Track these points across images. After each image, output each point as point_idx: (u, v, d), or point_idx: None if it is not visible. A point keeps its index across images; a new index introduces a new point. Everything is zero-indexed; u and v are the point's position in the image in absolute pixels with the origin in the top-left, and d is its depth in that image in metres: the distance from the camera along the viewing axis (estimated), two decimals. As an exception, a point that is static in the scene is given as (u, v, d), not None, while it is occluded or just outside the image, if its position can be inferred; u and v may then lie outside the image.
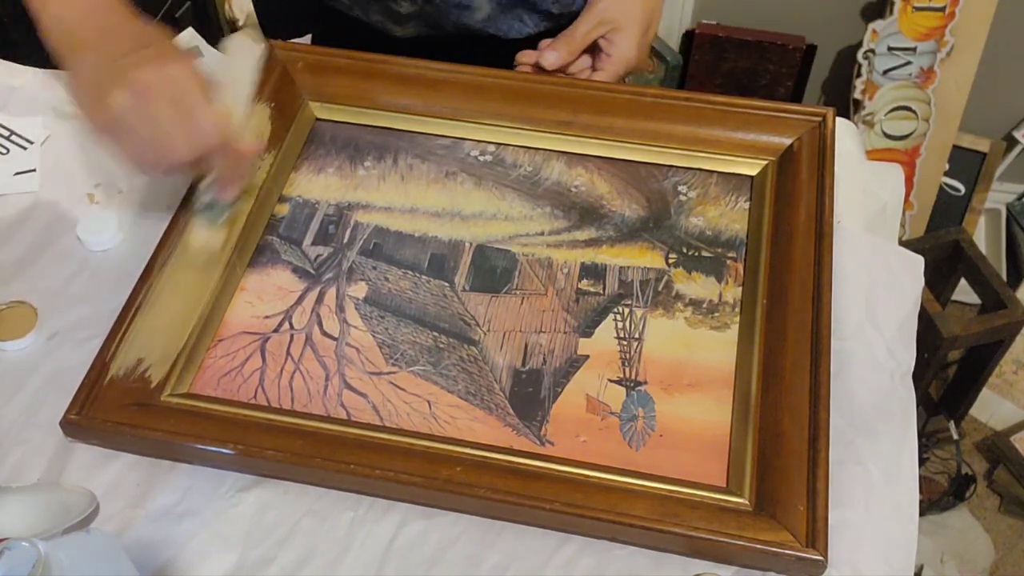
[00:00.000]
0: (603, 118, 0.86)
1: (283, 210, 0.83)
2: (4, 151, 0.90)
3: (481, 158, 0.86)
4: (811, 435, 0.66)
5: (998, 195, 1.84)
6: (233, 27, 2.09)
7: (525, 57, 0.91)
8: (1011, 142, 1.77)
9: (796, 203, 0.79)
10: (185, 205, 0.79)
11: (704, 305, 0.76)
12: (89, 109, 0.70)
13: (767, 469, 0.65)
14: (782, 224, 0.79)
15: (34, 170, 0.89)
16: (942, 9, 1.57)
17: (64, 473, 0.69)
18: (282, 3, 1.16)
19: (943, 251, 1.68)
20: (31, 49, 1.38)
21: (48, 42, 0.72)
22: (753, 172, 0.84)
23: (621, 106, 0.86)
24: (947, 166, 1.74)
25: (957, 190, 1.79)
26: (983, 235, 1.86)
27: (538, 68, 0.90)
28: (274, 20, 1.18)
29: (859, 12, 1.70)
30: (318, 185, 0.85)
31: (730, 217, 0.82)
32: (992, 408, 1.79)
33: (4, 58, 0.99)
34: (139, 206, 0.85)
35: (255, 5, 1.24)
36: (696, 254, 0.80)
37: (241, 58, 0.77)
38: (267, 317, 0.76)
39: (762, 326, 0.73)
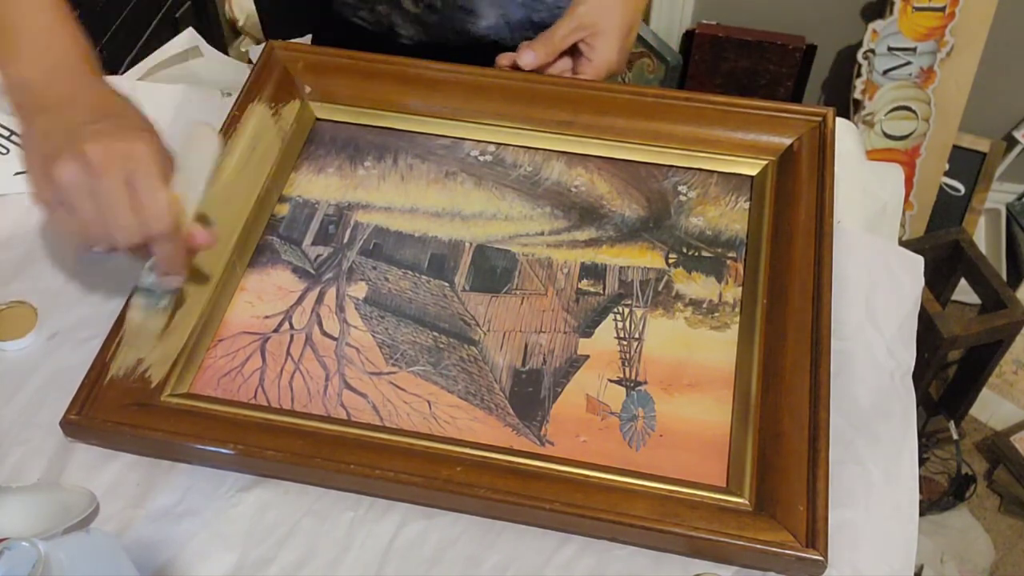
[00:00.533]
0: (603, 118, 0.86)
1: (283, 210, 0.83)
2: (4, 151, 0.90)
3: (481, 158, 0.86)
4: (811, 435, 0.66)
5: (998, 195, 1.84)
6: (233, 27, 2.09)
7: (504, 60, 0.90)
8: (1011, 142, 1.77)
9: (796, 203, 0.79)
10: None
11: (704, 305, 0.76)
12: (34, 177, 0.66)
13: (767, 469, 0.65)
14: (782, 224, 0.79)
15: None
16: (942, 9, 1.57)
17: (64, 473, 0.69)
18: (284, 4, 1.16)
19: (943, 251, 1.68)
20: None
21: (11, 103, 0.69)
22: (753, 172, 0.84)
23: (621, 106, 0.86)
24: (947, 166, 1.74)
25: (957, 190, 1.79)
26: (983, 235, 1.86)
27: (516, 69, 0.89)
28: (276, 21, 1.18)
29: (859, 12, 1.71)
30: (318, 185, 0.85)
31: (730, 217, 0.82)
32: (992, 408, 1.79)
33: None
34: None
35: (257, 5, 1.24)
36: (696, 254, 0.80)
37: (199, 149, 0.71)
38: (267, 317, 0.76)
39: (762, 326, 0.73)
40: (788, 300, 0.73)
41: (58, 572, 0.53)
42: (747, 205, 0.82)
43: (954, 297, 1.80)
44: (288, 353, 0.74)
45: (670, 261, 0.79)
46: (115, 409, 0.68)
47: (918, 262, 0.83)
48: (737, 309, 0.76)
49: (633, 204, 0.83)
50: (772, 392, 0.69)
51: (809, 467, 0.64)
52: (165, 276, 0.69)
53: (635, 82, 1.89)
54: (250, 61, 1.00)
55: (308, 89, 0.89)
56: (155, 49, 1.02)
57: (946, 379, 1.81)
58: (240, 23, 2.09)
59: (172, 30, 1.67)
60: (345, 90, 0.89)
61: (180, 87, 0.96)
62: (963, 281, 1.71)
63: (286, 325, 0.76)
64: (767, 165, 0.84)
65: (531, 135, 0.87)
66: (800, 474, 0.64)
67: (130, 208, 0.63)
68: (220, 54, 1.02)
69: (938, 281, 1.73)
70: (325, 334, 0.75)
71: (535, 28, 0.99)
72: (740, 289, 0.77)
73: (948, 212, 1.80)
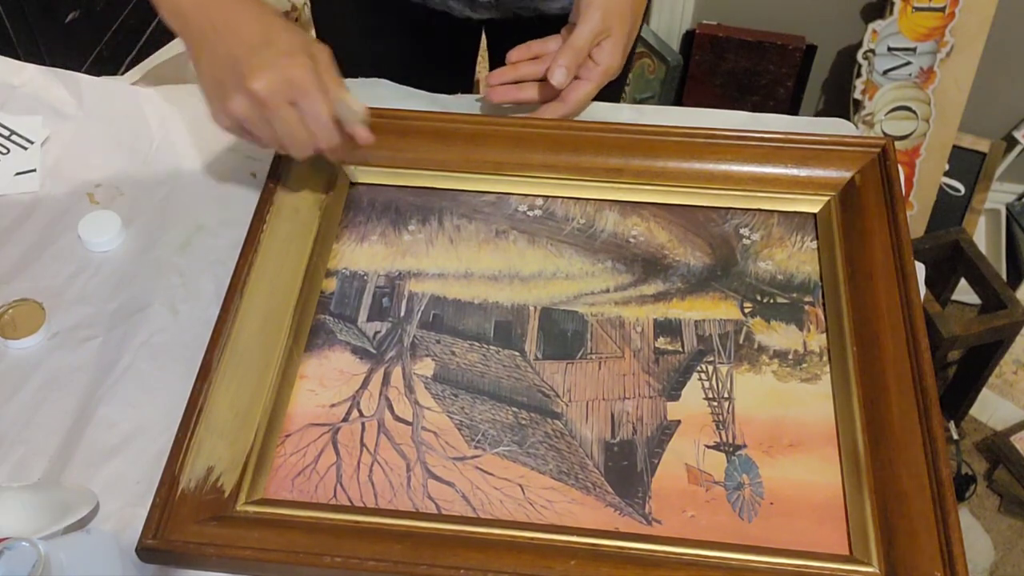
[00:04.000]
0: (655, 162, 0.82)
1: (331, 285, 0.78)
2: (4, 151, 0.89)
3: (530, 213, 0.82)
4: (935, 493, 0.63)
5: (998, 195, 1.84)
6: None
7: (495, 78, 0.87)
8: (1011, 142, 1.76)
9: (869, 240, 0.76)
10: (234, 292, 0.73)
11: (790, 356, 0.73)
12: (215, 109, 0.72)
13: (893, 533, 0.62)
14: (858, 264, 0.76)
15: (34, 170, 0.88)
16: (942, 9, 1.56)
17: (64, 472, 0.69)
18: None
19: (943, 251, 1.68)
20: (31, 46, 1.34)
21: (174, 29, 0.74)
22: (815, 209, 0.81)
23: (672, 149, 0.82)
24: (947, 166, 1.74)
25: (957, 190, 1.78)
26: (983, 235, 1.86)
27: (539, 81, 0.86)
28: (327, 10, 1.12)
29: (859, 12, 1.69)
30: (363, 255, 0.80)
31: (799, 259, 0.79)
32: (992, 408, 1.78)
33: (4, 55, 0.97)
34: (140, 208, 0.85)
35: None
36: (771, 301, 0.77)
37: None
38: (333, 406, 0.71)
39: (857, 376, 0.70)
40: (880, 346, 0.70)
41: (58, 572, 0.55)
42: (815, 245, 0.80)
43: (954, 297, 1.80)
44: (362, 444, 0.69)
45: (746, 311, 0.76)
46: (192, 526, 0.62)
47: (918, 269, 0.80)
48: (825, 358, 0.73)
49: (696, 252, 0.80)
50: (883, 448, 0.66)
51: (940, 529, 0.61)
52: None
53: (635, 82, 1.86)
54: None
55: (339, 152, 0.84)
56: (155, 49, 1.00)
57: (946, 379, 1.81)
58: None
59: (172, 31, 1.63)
60: (378, 150, 0.83)
61: (180, 87, 0.94)
62: (963, 281, 1.70)
63: (355, 413, 0.71)
64: (829, 201, 0.81)
65: (580, 185, 0.83)
66: (931, 537, 0.61)
67: (301, 128, 0.71)
68: None
69: (938, 281, 1.73)
70: (398, 419, 0.70)
71: None
72: (824, 336, 0.74)
73: (948, 212, 1.79)
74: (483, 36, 1.16)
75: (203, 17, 0.71)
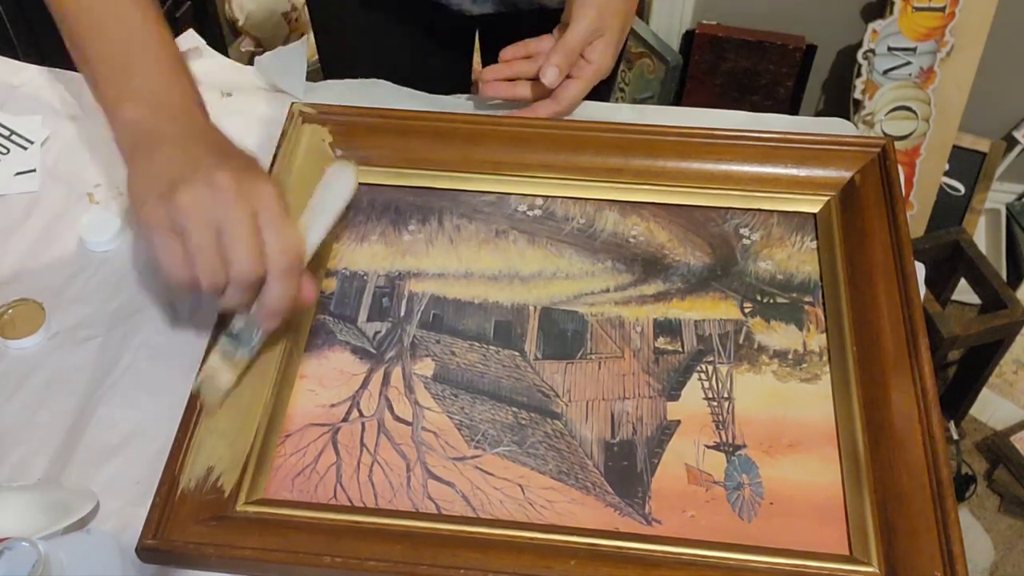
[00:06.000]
0: (654, 162, 0.82)
1: (331, 285, 0.78)
2: (4, 151, 0.89)
3: (530, 213, 0.82)
4: (935, 493, 0.63)
5: (998, 195, 1.84)
6: (233, 27, 2.04)
7: (489, 74, 0.88)
8: (1011, 142, 1.76)
9: (869, 241, 0.76)
10: None
11: (790, 356, 0.73)
12: (149, 199, 0.61)
13: (893, 533, 0.62)
14: (858, 264, 0.76)
15: (34, 170, 0.88)
16: (942, 9, 1.56)
17: (64, 472, 0.69)
18: None
19: (943, 251, 1.68)
20: (31, 46, 1.34)
21: (121, 142, 0.68)
22: (815, 209, 0.81)
23: (671, 148, 0.82)
24: (947, 166, 1.74)
25: (957, 190, 1.78)
26: (983, 235, 1.86)
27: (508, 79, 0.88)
28: (325, 10, 1.12)
29: (859, 12, 1.69)
30: (363, 255, 0.80)
31: (799, 259, 0.79)
32: (992, 408, 1.79)
33: (4, 55, 0.98)
34: None
35: None
36: (771, 301, 0.77)
37: (335, 188, 0.72)
38: (333, 406, 0.71)
39: (857, 376, 0.70)
40: (880, 346, 0.70)
41: (58, 572, 0.55)
42: (814, 245, 0.80)
43: (954, 297, 1.80)
44: (362, 444, 0.69)
45: (746, 310, 0.76)
46: (192, 526, 0.62)
47: (918, 269, 0.81)
48: (825, 358, 0.73)
49: (696, 251, 0.80)
50: (883, 448, 0.66)
51: (940, 529, 0.61)
52: (266, 317, 0.64)
53: (635, 82, 1.86)
54: (250, 62, 0.97)
55: (339, 152, 0.84)
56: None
57: (946, 379, 1.81)
58: (240, 23, 2.05)
59: (172, 31, 1.62)
60: (378, 150, 0.84)
61: None
62: (963, 281, 1.70)
63: (355, 413, 0.71)
64: (829, 201, 0.81)
65: (580, 185, 0.83)
66: (931, 537, 0.61)
67: (254, 240, 0.60)
68: (220, 55, 0.99)
69: (938, 281, 1.73)
70: (398, 419, 0.70)
71: None
72: (824, 336, 0.74)
73: (948, 212, 1.79)
74: (476, 38, 1.16)
75: (168, 129, 0.66)
